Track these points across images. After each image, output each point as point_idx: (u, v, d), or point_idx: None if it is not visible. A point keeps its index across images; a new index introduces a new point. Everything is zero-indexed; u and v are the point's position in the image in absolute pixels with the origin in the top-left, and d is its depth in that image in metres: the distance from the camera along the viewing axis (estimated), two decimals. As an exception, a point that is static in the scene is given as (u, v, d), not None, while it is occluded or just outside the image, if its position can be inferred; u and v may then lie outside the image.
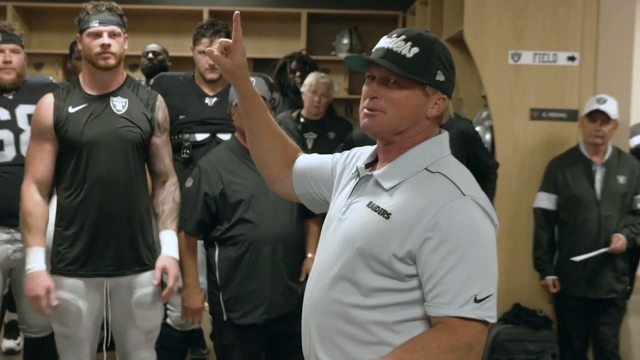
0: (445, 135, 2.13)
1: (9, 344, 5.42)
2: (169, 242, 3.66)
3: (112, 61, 3.52)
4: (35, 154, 3.53)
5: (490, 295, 1.93)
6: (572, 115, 5.03)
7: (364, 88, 2.10)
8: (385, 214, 2.00)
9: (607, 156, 4.71)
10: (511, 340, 4.85)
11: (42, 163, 3.52)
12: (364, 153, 2.24)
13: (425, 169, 2.04)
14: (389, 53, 2.03)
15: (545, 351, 4.83)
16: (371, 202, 2.05)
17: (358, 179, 2.15)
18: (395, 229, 1.97)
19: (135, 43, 8.44)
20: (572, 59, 5.03)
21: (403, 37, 2.05)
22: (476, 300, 1.91)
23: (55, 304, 3.44)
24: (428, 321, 1.99)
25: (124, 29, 3.58)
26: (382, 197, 2.04)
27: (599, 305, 4.69)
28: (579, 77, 5.03)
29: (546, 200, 4.79)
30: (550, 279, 4.76)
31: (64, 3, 7.74)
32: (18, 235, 3.94)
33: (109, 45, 3.48)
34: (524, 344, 4.85)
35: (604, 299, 4.67)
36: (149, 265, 3.64)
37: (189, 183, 3.80)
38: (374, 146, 2.20)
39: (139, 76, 7.56)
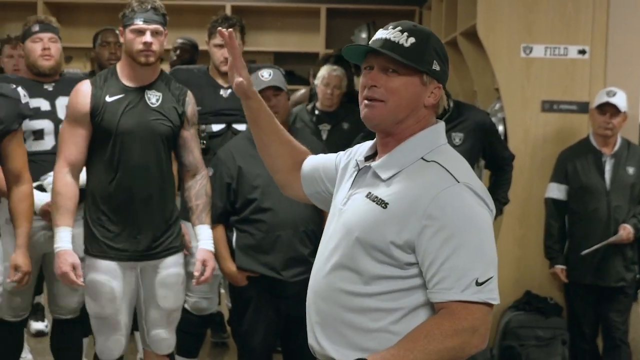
0: (441, 125, 2.14)
1: (37, 326, 5.46)
2: (205, 236, 3.71)
3: (152, 59, 3.56)
4: (69, 137, 3.57)
5: (491, 277, 1.92)
6: (582, 108, 5.00)
7: (362, 79, 2.09)
8: (383, 204, 1.99)
9: (616, 147, 4.67)
10: (522, 326, 4.83)
11: (75, 146, 3.56)
12: (364, 147, 2.23)
13: (422, 158, 2.04)
14: (387, 43, 2.04)
15: (555, 337, 4.81)
16: (370, 192, 2.04)
17: (357, 171, 2.15)
18: (392, 218, 1.97)
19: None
20: (582, 52, 4.99)
21: (399, 28, 2.06)
22: (477, 284, 1.90)
23: (80, 280, 3.50)
24: (429, 307, 1.98)
25: (165, 28, 3.62)
26: (380, 187, 2.04)
27: (608, 293, 4.66)
28: (589, 70, 5.00)
29: (557, 191, 4.76)
30: (559, 267, 4.74)
31: (91, -1, 7.80)
32: None
33: (151, 44, 3.52)
34: (534, 330, 4.83)
35: (613, 287, 4.64)
36: (175, 249, 3.70)
37: (210, 173, 3.82)
38: (374, 140, 2.20)
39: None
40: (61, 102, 4.10)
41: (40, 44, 4.08)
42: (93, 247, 3.61)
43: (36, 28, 4.09)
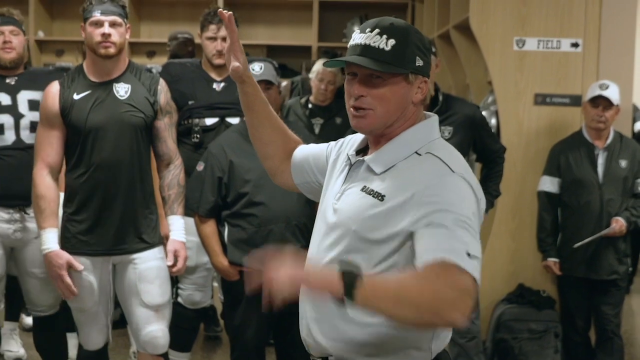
0: (434, 119, 2.09)
1: (29, 320, 5.39)
2: (177, 227, 3.71)
3: (112, 50, 3.52)
4: (44, 139, 3.56)
5: (478, 258, 1.82)
6: (575, 101, 4.97)
7: (346, 86, 2.03)
8: (380, 197, 1.94)
9: (609, 140, 4.64)
10: (515, 319, 4.80)
11: (51, 148, 3.55)
12: (355, 139, 2.18)
13: (415, 152, 1.99)
14: (366, 49, 1.97)
15: (548, 330, 4.78)
16: (365, 186, 2.00)
17: (350, 165, 2.09)
18: (390, 210, 1.92)
19: (152, 31, 8.45)
20: (575, 45, 4.95)
21: (377, 30, 1.98)
22: (468, 255, 1.80)
23: (81, 268, 3.51)
24: None
25: (125, 20, 3.58)
26: (375, 181, 1.99)
27: (601, 285, 4.64)
28: (582, 63, 4.97)
29: (549, 184, 4.73)
30: (551, 260, 4.72)
31: (84, -8, 7.72)
32: (17, 216, 4.00)
33: (109, 35, 3.49)
34: (527, 323, 4.80)
35: (605, 279, 4.61)
36: (151, 244, 3.66)
37: (200, 167, 3.81)
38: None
39: (157, 63, 7.53)
40: (23, 97, 4.05)
41: (1, 37, 4.01)
42: (68, 243, 3.59)
43: None
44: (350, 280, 1.74)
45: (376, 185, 1.98)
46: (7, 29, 4.02)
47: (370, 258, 1.95)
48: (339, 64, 2.06)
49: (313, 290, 1.85)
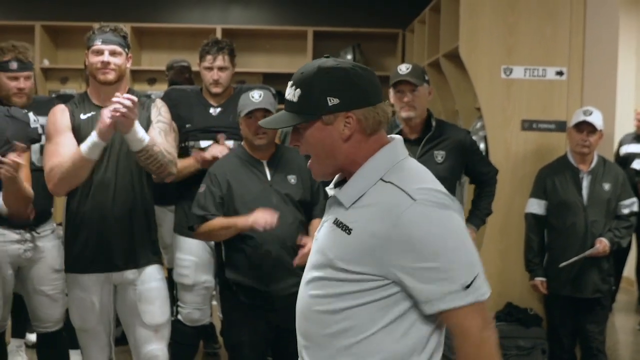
0: (396, 141, 2.04)
1: (33, 337, 5.43)
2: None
3: (110, 76, 3.62)
4: (52, 150, 3.57)
5: (476, 275, 1.88)
6: (560, 126, 5.04)
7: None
8: (347, 230, 1.93)
9: (593, 164, 4.69)
10: (503, 337, 4.82)
11: (64, 148, 3.53)
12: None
13: (381, 179, 1.95)
14: (285, 104, 2.02)
15: (535, 347, 4.82)
16: (336, 218, 1.99)
17: (329, 199, 2.11)
18: (357, 246, 1.91)
19: (152, 59, 8.54)
20: (560, 73, 5.04)
21: (291, 82, 2.01)
22: (465, 287, 1.86)
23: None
24: (408, 317, 1.93)
25: (126, 49, 3.67)
26: (345, 213, 1.98)
27: (586, 304, 4.67)
28: (567, 91, 5.05)
29: (536, 206, 4.77)
30: (538, 280, 4.74)
31: (88, 22, 7.77)
32: (28, 236, 4.00)
33: (108, 63, 3.59)
34: (515, 340, 4.85)
35: (590, 298, 4.65)
36: (151, 261, 3.71)
37: (202, 188, 3.81)
38: None
39: (158, 89, 7.61)
40: None
41: (15, 83, 4.08)
42: (71, 263, 3.67)
43: (14, 66, 4.07)
44: None
45: (345, 217, 1.97)
46: (23, 74, 4.10)
47: (340, 287, 1.95)
48: (268, 124, 2.09)
49: None
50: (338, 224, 1.97)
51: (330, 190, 2.09)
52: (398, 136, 2.06)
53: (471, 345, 1.89)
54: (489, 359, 1.91)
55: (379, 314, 1.92)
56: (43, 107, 4.07)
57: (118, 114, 3.31)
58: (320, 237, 2.05)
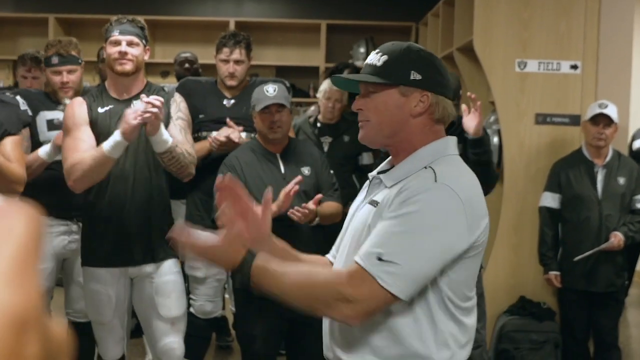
0: (450, 138, 2.07)
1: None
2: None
3: (127, 67, 3.57)
4: (72, 144, 3.50)
5: (397, 264, 1.83)
6: (574, 120, 5.01)
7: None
8: (375, 204, 1.97)
9: (608, 158, 4.68)
10: (517, 330, 4.83)
11: (82, 142, 3.48)
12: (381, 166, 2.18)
13: (424, 167, 1.96)
14: (365, 67, 2.06)
15: (548, 341, 4.81)
16: (372, 199, 2.02)
17: (369, 185, 2.12)
18: (377, 214, 1.95)
19: (166, 51, 8.53)
20: (574, 67, 5.00)
21: (377, 50, 2.07)
22: (379, 259, 1.83)
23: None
24: (439, 301, 1.93)
25: (143, 40, 3.64)
26: (381, 193, 2.00)
27: (599, 298, 4.66)
28: (581, 84, 5.02)
29: (550, 200, 4.76)
30: (552, 274, 4.73)
31: (101, 14, 7.81)
32: (74, 227, 4.05)
33: (125, 53, 3.55)
34: (528, 334, 4.83)
35: (603, 292, 4.64)
36: (169, 255, 3.68)
37: (219, 179, 3.79)
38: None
39: (170, 82, 7.60)
40: None
41: (59, 77, 4.10)
42: (88, 257, 3.65)
43: (55, 60, 4.09)
44: (248, 262, 1.97)
45: (379, 196, 1.99)
46: (64, 68, 4.09)
47: None
48: (337, 80, 2.15)
49: (208, 262, 2.08)
50: (371, 202, 2.01)
51: (372, 176, 2.12)
52: (453, 137, 2.09)
53: (338, 278, 1.90)
54: (320, 297, 1.90)
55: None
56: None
57: (148, 114, 3.26)
58: (355, 219, 2.08)
